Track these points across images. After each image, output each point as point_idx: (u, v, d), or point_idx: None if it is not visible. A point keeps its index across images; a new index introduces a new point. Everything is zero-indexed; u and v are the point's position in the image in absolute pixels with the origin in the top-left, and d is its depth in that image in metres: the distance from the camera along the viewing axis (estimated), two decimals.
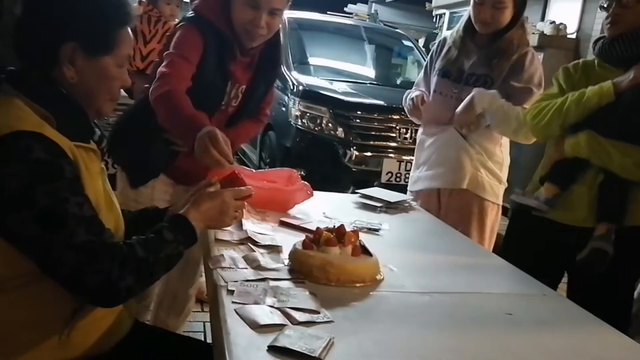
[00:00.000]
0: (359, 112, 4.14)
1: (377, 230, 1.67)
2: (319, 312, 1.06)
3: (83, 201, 0.94)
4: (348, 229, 1.41)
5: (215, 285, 1.13)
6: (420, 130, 2.29)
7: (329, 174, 4.03)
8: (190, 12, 1.68)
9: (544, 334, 1.11)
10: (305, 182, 1.81)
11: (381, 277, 1.28)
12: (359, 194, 2.03)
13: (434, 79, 2.18)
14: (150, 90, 1.58)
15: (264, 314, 1.02)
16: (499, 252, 1.67)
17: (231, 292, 1.10)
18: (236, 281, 1.14)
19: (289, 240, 1.37)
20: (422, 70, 2.31)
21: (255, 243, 1.40)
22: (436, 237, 1.73)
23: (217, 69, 1.64)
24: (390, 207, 1.94)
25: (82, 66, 1.01)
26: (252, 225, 1.52)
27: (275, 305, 1.06)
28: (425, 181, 2.18)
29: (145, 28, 3.30)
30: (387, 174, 4.01)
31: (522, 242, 1.81)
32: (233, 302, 1.06)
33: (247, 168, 1.89)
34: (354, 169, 4.07)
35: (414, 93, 2.23)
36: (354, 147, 4.06)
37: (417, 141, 2.28)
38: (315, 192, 1.89)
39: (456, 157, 2.09)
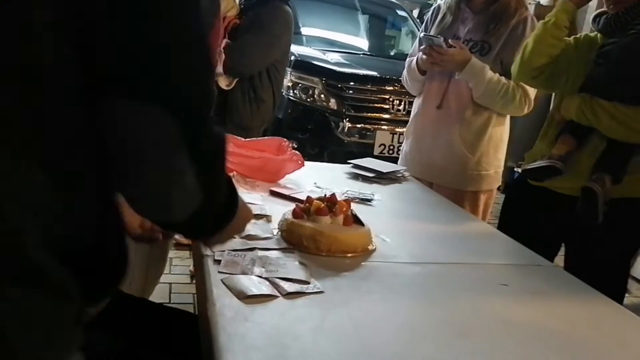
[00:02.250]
0: (351, 83, 4.07)
1: (369, 200, 1.64)
2: (309, 283, 1.03)
3: None
4: (340, 198, 1.38)
5: (202, 255, 1.09)
6: (416, 103, 2.21)
7: (321, 146, 3.98)
8: None
9: (538, 305, 1.09)
10: (296, 152, 1.77)
11: (373, 247, 1.25)
12: (351, 164, 1.99)
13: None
14: None
15: (252, 284, 0.98)
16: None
17: (218, 262, 1.06)
18: (223, 251, 1.10)
19: (279, 210, 1.33)
20: (417, 40, 2.24)
21: None
22: (429, 208, 1.70)
23: None
24: (382, 178, 1.90)
25: None
26: (241, 195, 1.47)
27: (263, 275, 1.03)
28: (417, 168, 2.11)
29: None
30: (379, 146, 3.96)
31: (519, 213, 1.78)
32: (220, 272, 1.02)
33: (237, 137, 1.84)
34: (346, 141, 4.02)
35: (413, 58, 2.12)
36: (347, 119, 4.01)
37: (413, 113, 2.22)
38: (307, 162, 1.85)
39: (449, 152, 2.03)
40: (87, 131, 0.62)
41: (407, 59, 2.21)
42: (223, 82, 2.58)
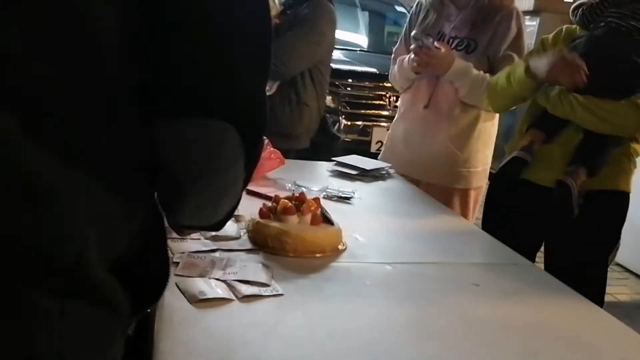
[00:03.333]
0: (349, 80, 4.03)
1: (348, 198, 1.60)
2: (268, 285, 0.99)
3: None
4: (320, 197, 1.36)
5: None
6: (403, 100, 2.17)
7: (318, 143, 3.94)
8: None
9: (510, 306, 1.05)
10: (276, 150, 1.74)
11: (344, 247, 1.22)
12: (334, 162, 1.96)
13: (414, 44, 2.07)
14: None
15: (207, 287, 0.95)
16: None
17: (176, 264, 1.03)
18: (183, 252, 1.07)
19: (254, 210, 1.30)
20: (401, 39, 2.19)
21: None
22: (410, 206, 1.66)
23: None
24: (366, 175, 1.87)
25: None
26: None
27: (221, 278, 1.00)
28: (405, 166, 2.06)
29: None
30: (376, 143, 3.92)
31: (501, 208, 1.75)
32: (176, 275, 0.99)
33: None
34: (343, 138, 3.98)
35: (406, 57, 2.06)
36: (343, 116, 3.97)
37: (400, 111, 2.18)
38: (289, 160, 1.82)
39: (438, 149, 1.99)
40: (145, 146, 0.60)
41: (395, 55, 2.18)
42: None
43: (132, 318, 0.66)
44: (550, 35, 1.70)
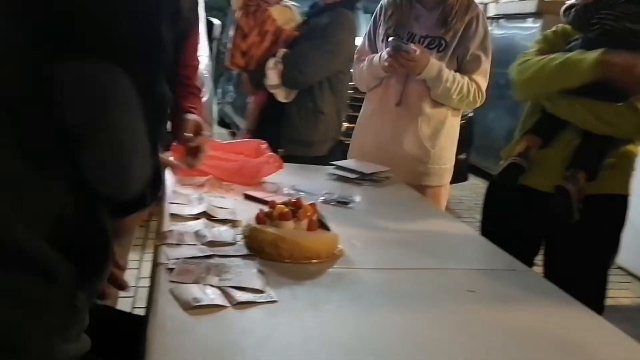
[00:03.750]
0: (350, 83, 4.01)
1: (346, 203, 1.60)
2: (263, 292, 0.99)
3: None
4: (316, 201, 1.35)
5: (156, 263, 1.06)
6: (372, 99, 2.17)
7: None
8: None
9: (506, 313, 1.04)
10: (274, 154, 1.74)
11: (340, 253, 1.21)
12: (334, 166, 1.95)
13: (381, 45, 2.08)
14: None
15: (201, 294, 0.95)
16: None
17: (171, 270, 1.03)
18: (178, 259, 1.07)
19: (251, 215, 1.29)
20: (364, 38, 2.20)
21: (211, 217, 1.33)
22: (409, 210, 1.66)
23: None
24: (365, 179, 1.86)
25: None
26: (211, 199, 1.45)
27: (216, 285, 0.99)
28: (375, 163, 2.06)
29: (244, 21, 2.87)
30: None
31: (499, 213, 1.74)
32: (170, 282, 0.99)
33: (215, 140, 1.81)
34: (345, 142, 3.96)
35: (375, 56, 2.09)
36: (344, 119, 3.95)
37: (369, 109, 2.18)
38: (288, 164, 1.82)
39: (411, 147, 2.05)
40: (45, 106, 0.61)
41: (358, 55, 2.18)
42: (281, 95, 2.47)
43: (78, 290, 0.67)
44: (549, 32, 1.69)
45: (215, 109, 5.44)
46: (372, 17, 2.18)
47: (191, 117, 1.48)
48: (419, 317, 0.99)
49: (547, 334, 0.98)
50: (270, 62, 2.54)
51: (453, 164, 2.16)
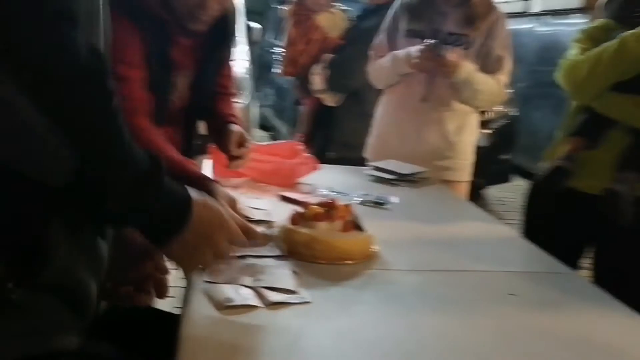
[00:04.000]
0: None
1: (383, 204, 1.58)
2: (296, 292, 0.98)
3: None
4: (352, 202, 1.33)
5: None
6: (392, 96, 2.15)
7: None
8: None
9: (548, 317, 1.00)
10: (310, 155, 1.74)
11: (374, 254, 1.19)
12: (371, 166, 1.93)
13: (402, 42, 2.04)
14: None
15: (235, 294, 0.94)
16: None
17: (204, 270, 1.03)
18: None
19: (286, 216, 1.29)
20: (383, 35, 2.16)
21: (246, 218, 1.33)
22: (447, 211, 1.62)
23: (157, 59, 1.31)
24: (403, 180, 1.84)
25: None
26: (247, 200, 1.45)
27: (249, 285, 0.99)
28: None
29: (293, 31, 3.01)
30: None
31: (542, 215, 1.68)
32: (204, 282, 0.99)
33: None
34: None
35: (399, 52, 2.05)
36: None
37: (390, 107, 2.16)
38: (324, 165, 1.81)
39: (441, 143, 2.06)
40: None
41: (376, 52, 2.15)
42: (329, 99, 2.52)
43: (16, 286, 0.64)
44: (591, 28, 1.62)
45: (255, 112, 5.50)
46: (392, 14, 2.16)
47: (235, 128, 1.50)
48: (455, 321, 0.96)
49: (593, 341, 0.93)
50: (316, 68, 2.60)
51: (473, 159, 2.15)
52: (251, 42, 5.13)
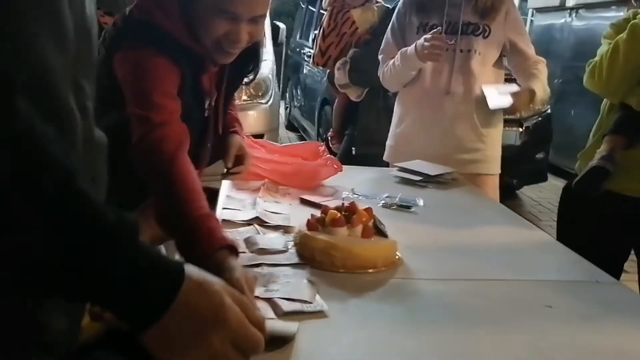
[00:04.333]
0: None
1: (409, 207, 1.50)
2: (311, 302, 0.92)
3: None
4: (376, 205, 1.26)
5: None
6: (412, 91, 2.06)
7: None
8: (141, 19, 1.15)
9: (588, 332, 0.91)
10: (332, 157, 1.67)
11: (398, 261, 1.12)
12: (396, 167, 1.85)
13: (414, 38, 1.95)
14: (137, 137, 1.09)
15: None
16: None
17: None
18: None
19: (304, 220, 1.23)
20: (389, 34, 2.08)
21: (263, 223, 1.28)
22: (477, 215, 1.53)
23: (192, 92, 1.25)
24: (430, 181, 1.75)
25: None
26: (265, 204, 1.40)
27: (262, 296, 0.93)
28: (424, 158, 1.94)
29: (326, 22, 3.03)
30: None
31: (580, 219, 1.57)
32: None
33: (271, 142, 1.77)
34: None
35: (407, 49, 1.97)
36: None
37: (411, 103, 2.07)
38: (347, 167, 1.74)
39: (465, 135, 1.99)
40: None
41: (385, 55, 2.07)
42: (352, 94, 2.49)
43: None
44: (621, 21, 1.53)
45: (283, 112, 5.46)
46: (396, 13, 2.09)
47: (235, 141, 1.41)
48: (486, 335, 0.88)
49: (637, 357, 0.84)
50: (339, 62, 2.57)
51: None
52: (277, 43, 5.10)
